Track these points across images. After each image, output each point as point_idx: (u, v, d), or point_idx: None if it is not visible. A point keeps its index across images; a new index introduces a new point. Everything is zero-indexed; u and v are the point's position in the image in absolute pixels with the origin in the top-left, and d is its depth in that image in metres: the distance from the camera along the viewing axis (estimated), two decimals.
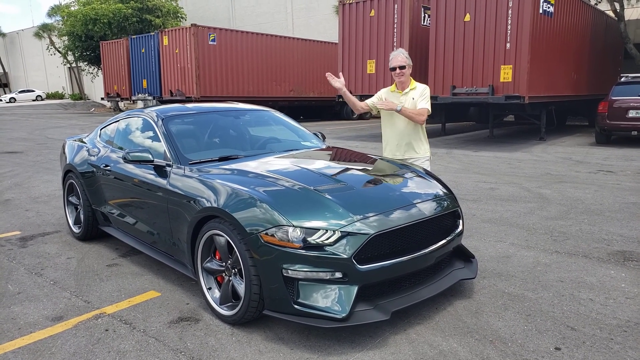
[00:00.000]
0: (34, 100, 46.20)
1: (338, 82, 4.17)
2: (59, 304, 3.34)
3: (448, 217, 3.26)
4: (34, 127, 19.21)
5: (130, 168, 3.92)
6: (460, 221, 3.38)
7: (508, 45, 10.96)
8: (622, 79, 12.07)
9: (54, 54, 42.76)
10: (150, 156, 3.59)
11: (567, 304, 3.19)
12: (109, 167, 4.24)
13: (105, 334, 2.91)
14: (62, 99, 47.97)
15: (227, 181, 3.11)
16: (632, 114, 11.04)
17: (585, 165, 8.94)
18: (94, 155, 4.58)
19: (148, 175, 3.70)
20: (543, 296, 3.31)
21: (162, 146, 3.76)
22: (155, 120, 4.00)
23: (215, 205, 2.98)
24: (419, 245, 2.93)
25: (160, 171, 3.60)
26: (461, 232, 3.35)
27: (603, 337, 2.77)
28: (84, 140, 5.04)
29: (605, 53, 16.63)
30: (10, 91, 53.88)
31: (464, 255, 3.46)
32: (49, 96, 49.46)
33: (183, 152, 3.66)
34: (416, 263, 2.90)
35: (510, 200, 6.12)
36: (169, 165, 3.57)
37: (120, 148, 4.33)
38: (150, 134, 4.02)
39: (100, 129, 4.92)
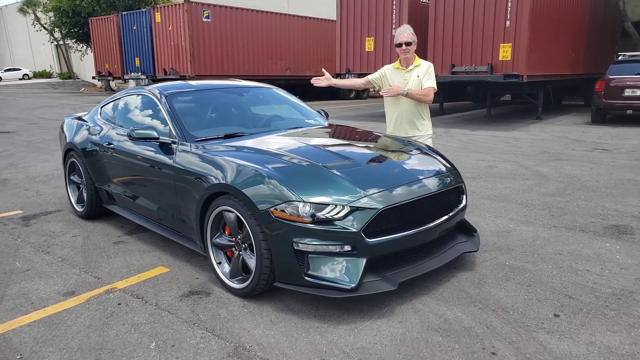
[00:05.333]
0: (20, 79, 45.11)
1: (325, 81, 4.25)
2: (69, 279, 3.39)
3: (452, 192, 3.33)
4: (23, 107, 18.92)
5: (135, 146, 3.92)
6: (464, 196, 3.45)
7: (508, 23, 10.91)
8: (620, 58, 12.09)
9: (40, 31, 41.29)
10: (155, 133, 3.60)
11: (565, 274, 3.31)
12: (112, 145, 4.23)
13: (118, 307, 2.97)
14: (50, 77, 46.87)
15: (235, 158, 3.14)
16: (627, 92, 11.11)
17: (581, 143, 9.04)
18: (95, 134, 4.56)
19: (153, 153, 3.71)
20: (542, 268, 3.42)
21: (166, 123, 3.76)
22: (159, 97, 3.99)
23: (224, 181, 3.01)
24: (424, 220, 3.00)
25: (166, 149, 3.61)
26: (464, 207, 3.42)
27: (599, 304, 2.90)
28: (84, 118, 5.01)
29: (603, 31, 16.55)
30: None
31: (467, 230, 3.54)
32: (36, 75, 48.32)
33: (188, 129, 3.66)
34: (421, 237, 2.97)
35: (508, 178, 6.20)
36: (174, 143, 3.58)
37: (122, 126, 4.32)
38: (154, 111, 4.02)
39: (101, 107, 4.89)
